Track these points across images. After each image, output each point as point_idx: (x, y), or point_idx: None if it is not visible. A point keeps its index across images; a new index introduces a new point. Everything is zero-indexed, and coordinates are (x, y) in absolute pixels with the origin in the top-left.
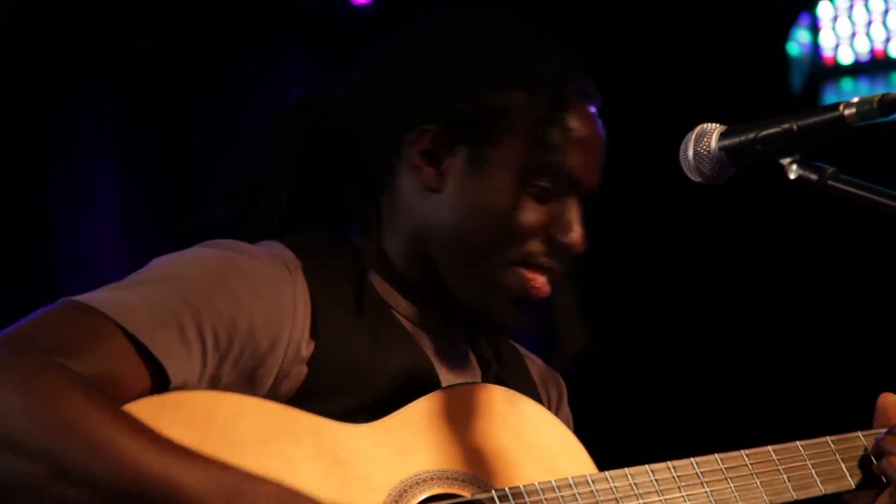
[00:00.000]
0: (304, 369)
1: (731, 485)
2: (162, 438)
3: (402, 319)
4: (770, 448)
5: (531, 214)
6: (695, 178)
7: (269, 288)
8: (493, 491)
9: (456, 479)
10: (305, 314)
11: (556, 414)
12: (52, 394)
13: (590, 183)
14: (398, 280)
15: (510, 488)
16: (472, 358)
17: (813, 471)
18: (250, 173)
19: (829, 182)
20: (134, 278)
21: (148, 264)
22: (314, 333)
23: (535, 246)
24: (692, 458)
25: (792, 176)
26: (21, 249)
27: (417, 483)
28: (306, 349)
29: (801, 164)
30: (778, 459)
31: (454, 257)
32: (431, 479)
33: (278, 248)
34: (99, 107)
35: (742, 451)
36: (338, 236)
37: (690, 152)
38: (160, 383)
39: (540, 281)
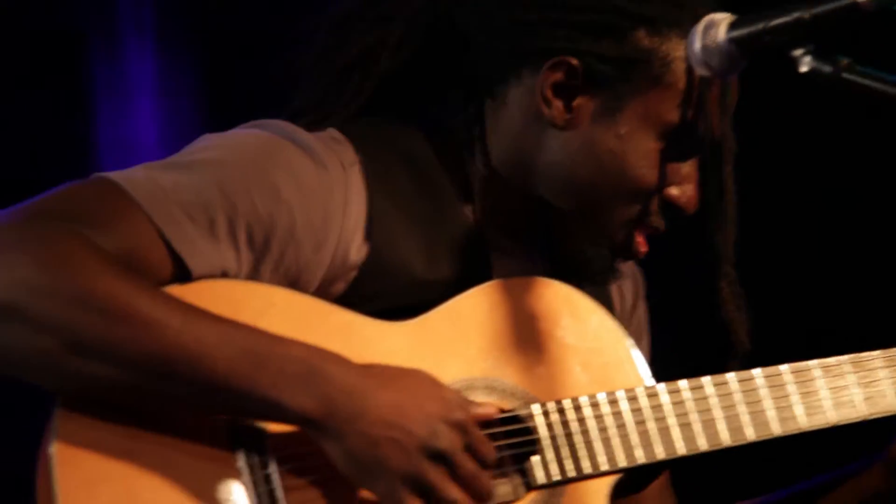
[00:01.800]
0: (353, 273)
1: (797, 395)
2: (186, 305)
3: (473, 231)
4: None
5: (657, 173)
6: (703, 71)
7: (316, 184)
8: (534, 404)
9: (496, 388)
10: (359, 215)
11: (632, 313)
12: (68, 262)
13: (731, 146)
14: (484, 194)
15: (554, 402)
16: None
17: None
18: (336, 56)
19: (844, 74)
20: (176, 159)
21: (195, 142)
22: (368, 236)
23: (651, 205)
24: (759, 369)
25: (803, 68)
26: (62, 136)
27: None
28: (357, 253)
29: (813, 56)
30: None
31: (563, 200)
32: (470, 387)
33: (336, 139)
34: None
35: (809, 362)
36: (424, 131)
37: (697, 45)
38: (183, 277)
39: (645, 243)
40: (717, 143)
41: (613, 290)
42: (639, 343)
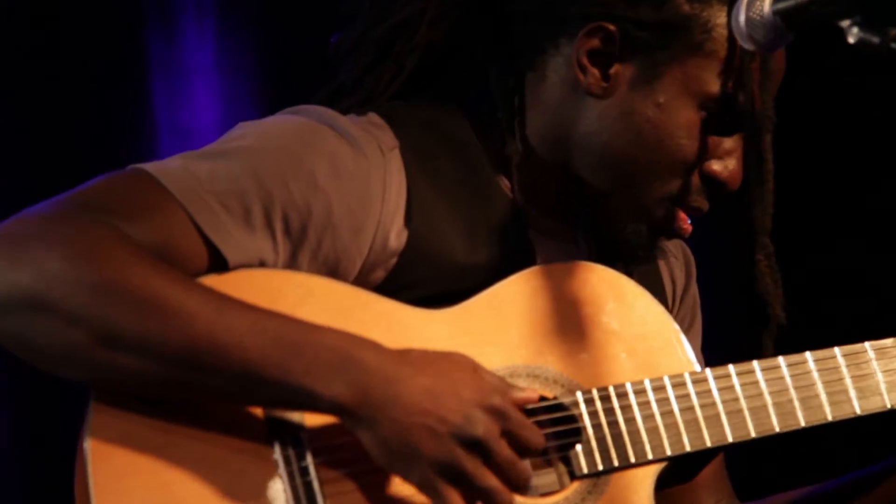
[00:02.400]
0: (393, 260)
1: (850, 378)
2: (219, 295)
3: (514, 213)
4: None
5: (697, 145)
6: (748, 45)
7: (354, 170)
8: (578, 392)
9: (539, 375)
10: (398, 200)
11: (684, 296)
12: (98, 253)
13: (771, 117)
14: (523, 173)
15: (598, 389)
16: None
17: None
18: (380, 28)
19: (894, 44)
20: (212, 148)
21: (231, 130)
22: (408, 221)
23: (692, 181)
24: (809, 352)
25: (852, 39)
26: (120, 120)
27: None
28: (397, 239)
29: (861, 26)
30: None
31: (600, 174)
32: (512, 375)
33: (375, 123)
34: None
35: (863, 344)
36: (464, 110)
37: (742, 17)
38: (219, 267)
39: (688, 222)
40: (758, 114)
41: (664, 272)
42: (691, 326)
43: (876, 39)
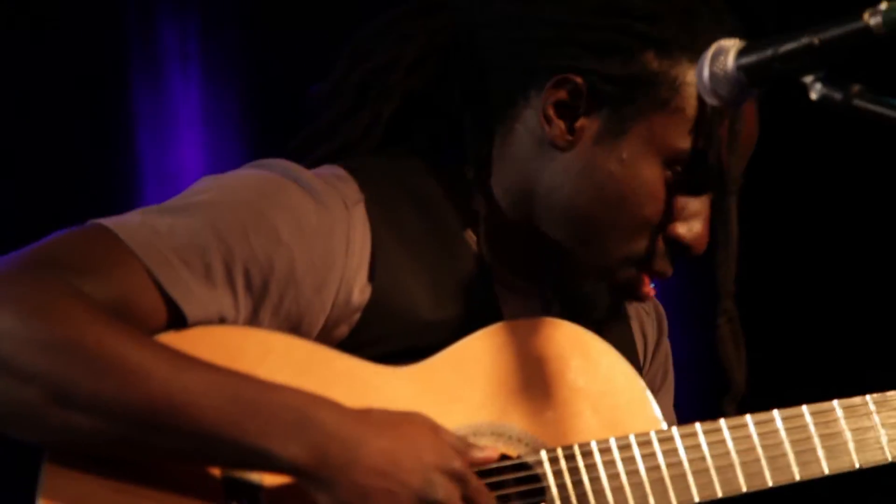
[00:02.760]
0: (357, 316)
1: (817, 437)
2: (175, 353)
3: (480, 269)
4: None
5: (660, 205)
6: (712, 100)
7: (317, 225)
8: (542, 451)
9: (503, 434)
10: (362, 255)
11: (655, 352)
12: (52, 311)
13: (737, 180)
14: (489, 227)
15: (563, 448)
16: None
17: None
18: (357, 74)
19: (856, 101)
20: (173, 202)
21: (194, 185)
22: (372, 277)
23: (655, 243)
24: (777, 410)
25: (814, 95)
26: (105, 165)
27: None
28: (360, 295)
29: (824, 83)
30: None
31: (562, 230)
32: (476, 433)
33: (340, 177)
34: (184, 18)
35: (831, 402)
36: (432, 162)
37: (706, 73)
38: (178, 324)
39: (650, 288)
40: (725, 176)
41: (635, 328)
42: (663, 383)
43: (838, 95)
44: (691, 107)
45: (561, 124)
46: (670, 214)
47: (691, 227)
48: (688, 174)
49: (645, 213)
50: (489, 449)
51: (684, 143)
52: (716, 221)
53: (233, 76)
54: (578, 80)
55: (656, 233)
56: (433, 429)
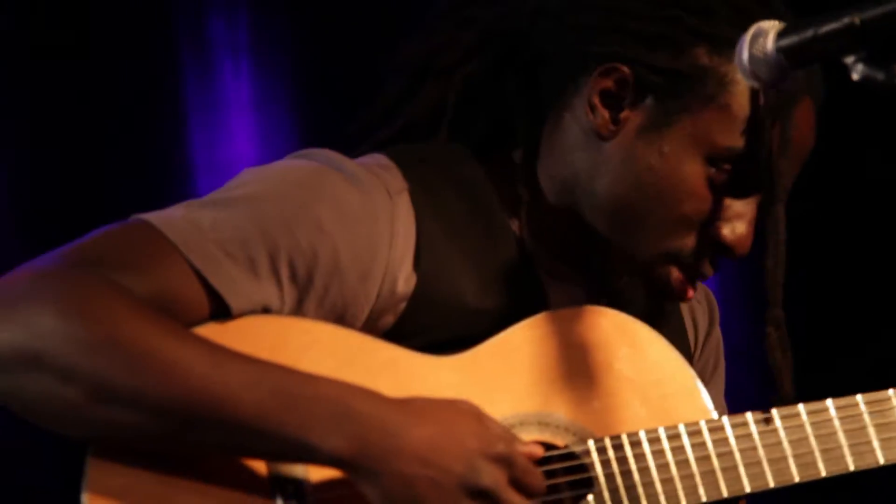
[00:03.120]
0: (402, 305)
1: (872, 426)
2: (216, 347)
3: (526, 257)
4: None
5: (700, 202)
6: (752, 82)
7: (360, 214)
8: (589, 441)
9: (550, 423)
10: (407, 244)
11: (706, 341)
12: (92, 309)
13: (787, 187)
14: (534, 216)
15: (610, 437)
16: None
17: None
18: (418, 56)
19: None
20: (215, 196)
21: (236, 177)
22: (417, 265)
23: (692, 241)
24: (831, 399)
25: (856, 76)
26: (157, 157)
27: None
28: (405, 284)
29: (866, 62)
30: None
31: (600, 219)
32: (522, 423)
33: (383, 166)
34: (233, 9)
35: (888, 391)
36: (476, 150)
37: (745, 55)
38: (222, 316)
39: (689, 289)
40: (773, 181)
41: (686, 316)
42: (714, 372)
43: (880, 76)
44: (740, 105)
45: (605, 114)
46: (713, 213)
47: (735, 228)
48: (733, 174)
49: (684, 209)
50: (533, 445)
51: (730, 140)
52: (764, 228)
53: (283, 65)
54: (626, 69)
55: (697, 231)
56: (476, 415)
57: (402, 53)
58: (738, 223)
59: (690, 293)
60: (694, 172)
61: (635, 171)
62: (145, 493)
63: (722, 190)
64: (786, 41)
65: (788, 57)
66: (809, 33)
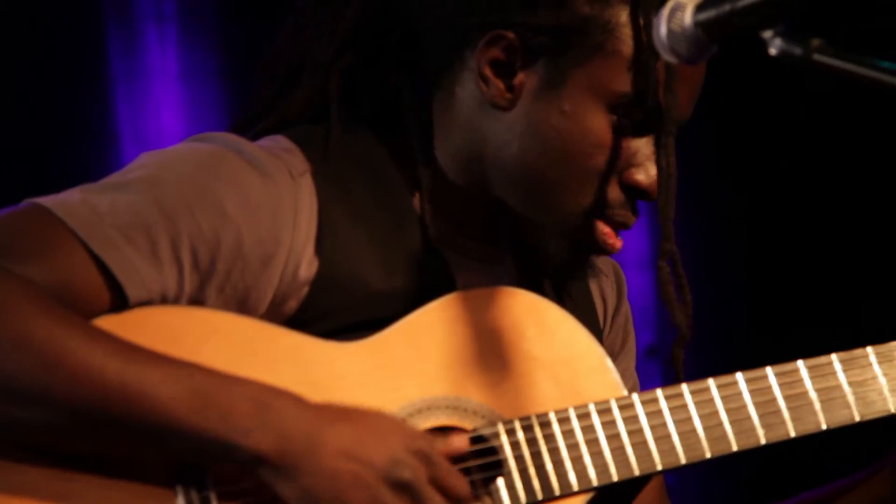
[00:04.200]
0: (305, 290)
1: (782, 398)
2: (128, 344)
3: (433, 238)
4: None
5: (609, 152)
6: (670, 58)
7: (263, 197)
8: (499, 423)
9: (459, 407)
10: (310, 227)
11: (615, 315)
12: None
13: (681, 117)
14: (438, 194)
15: (520, 419)
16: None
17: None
18: (291, 51)
19: (816, 56)
20: (113, 179)
21: (135, 160)
22: (319, 249)
23: (613, 193)
24: (741, 373)
25: (773, 51)
26: (82, 127)
27: (413, 414)
28: (308, 268)
29: (783, 37)
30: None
31: (513, 190)
32: (430, 407)
33: (285, 148)
34: None
35: (795, 362)
36: (379, 132)
37: (663, 30)
38: (122, 303)
39: (615, 238)
40: (662, 112)
41: (595, 292)
42: (623, 346)
43: (798, 50)
44: (628, 48)
45: (499, 83)
46: (623, 160)
47: (647, 170)
48: (631, 116)
49: (595, 161)
50: (458, 439)
51: (624, 85)
52: (658, 161)
53: (209, 35)
54: (511, 35)
55: (607, 179)
56: (395, 418)
57: (273, 51)
58: (649, 165)
59: (618, 243)
60: (598, 124)
61: (540, 136)
62: (45, 489)
63: (624, 134)
64: (703, 15)
65: (707, 31)
66: (727, 7)
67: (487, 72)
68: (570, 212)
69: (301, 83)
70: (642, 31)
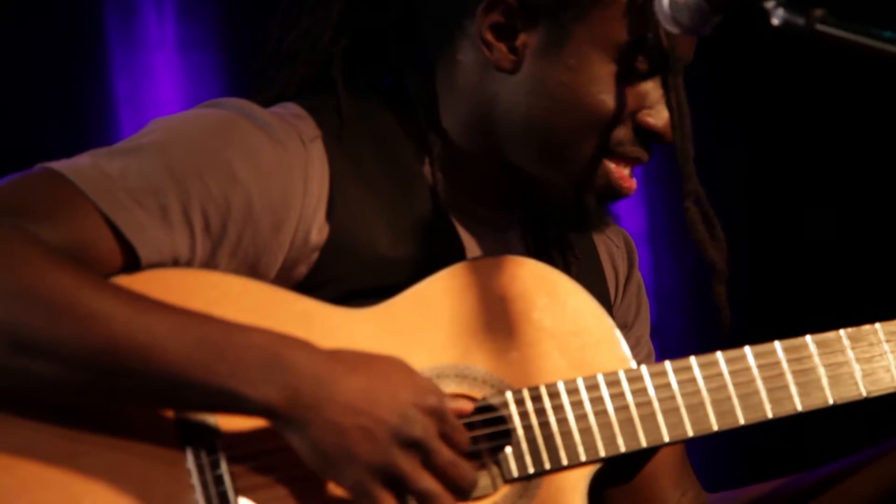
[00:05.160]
0: (315, 255)
1: (791, 373)
2: (135, 295)
3: (443, 205)
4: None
5: (619, 98)
6: (673, 28)
7: (274, 162)
8: (507, 392)
9: (468, 375)
10: (321, 193)
11: (627, 285)
12: (8, 259)
13: (686, 59)
14: (448, 161)
15: (529, 389)
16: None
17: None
18: (287, 43)
19: (818, 26)
20: (124, 144)
21: (146, 126)
22: (330, 215)
23: (622, 133)
24: (749, 347)
25: (776, 21)
26: (78, 92)
27: None
28: (318, 234)
29: (786, 8)
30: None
31: (527, 150)
32: (439, 376)
33: (296, 114)
34: None
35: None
36: (386, 99)
37: (666, 0)
38: (134, 265)
39: (628, 176)
40: (666, 52)
41: (606, 262)
42: (637, 315)
43: (801, 21)
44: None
45: (502, 47)
46: (632, 105)
47: (659, 113)
48: (640, 62)
49: (604, 108)
50: (462, 400)
51: (625, 32)
52: (668, 102)
53: (207, 5)
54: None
55: (619, 123)
56: (407, 368)
57: (272, 43)
58: (660, 108)
59: (633, 184)
60: (604, 73)
61: (549, 93)
62: (53, 449)
63: (631, 79)
64: None
65: (709, 1)
66: None
67: (489, 37)
68: (586, 157)
69: (299, 68)
70: None
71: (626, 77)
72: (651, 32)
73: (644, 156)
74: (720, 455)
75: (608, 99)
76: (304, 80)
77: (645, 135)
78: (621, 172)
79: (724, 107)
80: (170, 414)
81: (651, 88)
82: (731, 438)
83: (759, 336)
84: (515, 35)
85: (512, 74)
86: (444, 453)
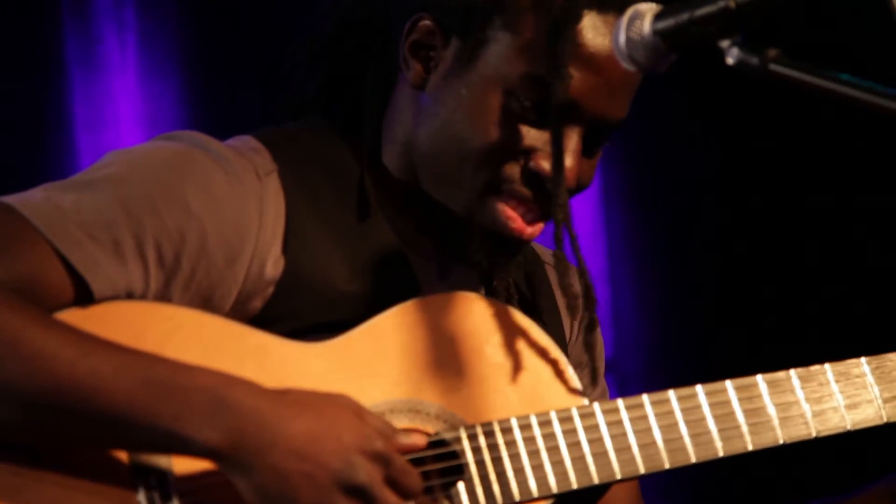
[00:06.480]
0: (270, 290)
1: (741, 411)
2: (81, 335)
3: (396, 239)
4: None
5: (508, 134)
6: (629, 66)
7: (229, 196)
8: (461, 427)
9: (420, 410)
10: (276, 227)
11: (582, 322)
12: None
13: (598, 110)
14: (393, 192)
15: (481, 425)
16: (481, 289)
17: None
18: (297, 50)
19: (772, 66)
20: (77, 178)
21: (100, 159)
22: (286, 249)
23: (511, 170)
24: (700, 385)
25: (731, 60)
26: (37, 117)
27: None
28: (274, 268)
29: (740, 47)
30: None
31: (427, 177)
32: (392, 410)
33: (252, 147)
34: None
35: (755, 377)
36: (346, 132)
37: (622, 38)
38: (86, 301)
39: (517, 217)
40: (578, 106)
41: (560, 300)
42: (593, 350)
43: (755, 60)
44: (531, 30)
45: (417, 65)
46: (523, 145)
47: (556, 158)
48: (538, 104)
49: (488, 139)
50: (416, 435)
51: (526, 67)
52: (552, 149)
53: (168, 24)
54: (427, 18)
55: (505, 159)
56: (356, 411)
57: (305, 44)
58: (563, 155)
59: (528, 229)
60: (498, 108)
61: (444, 115)
62: (2, 485)
63: (538, 121)
64: (662, 24)
65: (665, 40)
66: (685, 16)
67: (407, 53)
68: (471, 189)
69: (292, 80)
70: (542, 11)
71: (524, 116)
72: (553, 73)
73: (527, 194)
74: (669, 491)
75: (493, 133)
76: (288, 105)
77: (533, 176)
78: (509, 213)
79: (694, 111)
80: (122, 453)
81: (562, 136)
82: (683, 475)
83: (732, 338)
84: (430, 55)
85: (424, 93)
86: (389, 499)
